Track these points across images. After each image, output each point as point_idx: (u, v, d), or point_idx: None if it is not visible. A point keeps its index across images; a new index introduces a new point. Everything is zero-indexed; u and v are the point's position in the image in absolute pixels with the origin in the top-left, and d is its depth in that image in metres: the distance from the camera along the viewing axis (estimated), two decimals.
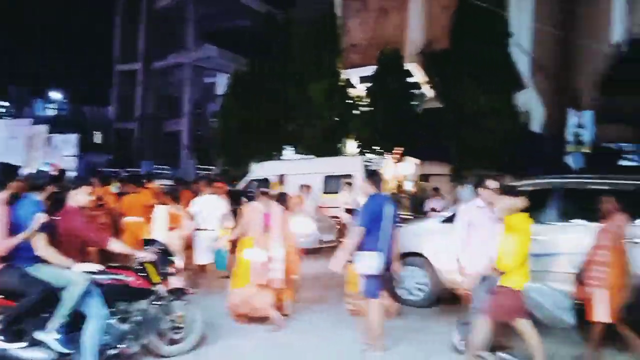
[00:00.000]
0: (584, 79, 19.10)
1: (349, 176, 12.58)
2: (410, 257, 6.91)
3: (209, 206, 7.48)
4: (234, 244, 6.61)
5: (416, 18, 21.24)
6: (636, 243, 5.29)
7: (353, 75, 21.33)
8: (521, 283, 4.52)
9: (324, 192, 13.68)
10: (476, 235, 5.02)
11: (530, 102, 17.98)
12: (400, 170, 19.39)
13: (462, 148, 16.13)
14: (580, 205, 6.17)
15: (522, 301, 4.51)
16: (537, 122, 18.75)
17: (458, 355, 5.00)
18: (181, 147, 32.87)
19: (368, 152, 18.63)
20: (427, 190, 16.94)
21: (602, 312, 4.94)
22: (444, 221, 7.08)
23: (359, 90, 20.79)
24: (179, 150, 32.93)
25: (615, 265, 5.01)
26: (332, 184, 13.40)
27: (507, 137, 15.87)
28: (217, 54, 32.67)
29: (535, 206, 5.82)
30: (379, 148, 18.89)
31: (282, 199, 6.53)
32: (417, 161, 19.74)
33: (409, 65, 19.64)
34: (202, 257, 7.38)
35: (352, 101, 20.35)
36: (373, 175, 5.62)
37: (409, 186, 19.48)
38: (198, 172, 24.31)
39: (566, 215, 6.07)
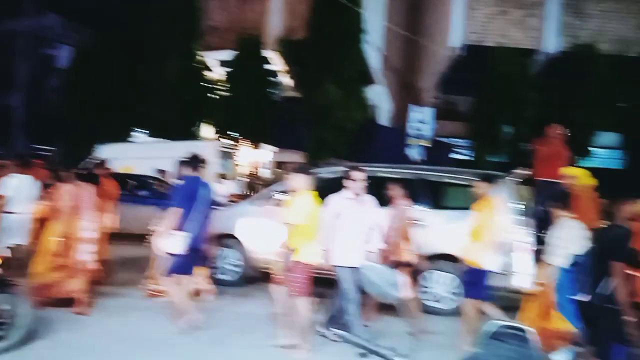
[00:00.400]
0: (427, 78, 20.81)
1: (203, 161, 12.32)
2: (225, 238, 7.16)
3: (20, 187, 6.89)
4: (41, 225, 6.33)
5: (277, 6, 21.33)
6: (418, 224, 6.06)
7: (211, 58, 20.82)
8: (312, 257, 4.84)
9: (177, 178, 13.25)
10: (345, 227, 5.19)
11: (379, 97, 19.11)
12: (257, 157, 19.49)
13: (316, 137, 16.63)
14: (375, 191, 6.90)
15: (311, 275, 4.87)
16: (385, 115, 20.01)
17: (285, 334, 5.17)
18: (14, 124, 29.42)
19: (224, 138, 18.38)
20: (283, 178, 17.23)
21: (404, 289, 5.51)
22: (260, 203, 7.41)
23: (218, 74, 20.37)
24: (11, 128, 29.45)
25: (400, 244, 5.66)
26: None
27: (356, 128, 16.72)
28: (60, 24, 29.68)
29: (336, 191, 6.51)
30: (236, 134, 18.74)
31: (95, 180, 6.38)
32: (274, 149, 20.00)
33: (269, 53, 19.68)
34: (8, 241, 6.76)
35: (209, 85, 19.88)
36: (191, 158, 5.62)
37: (264, 173, 19.67)
38: (34, 152, 21.97)
39: None
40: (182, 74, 18.70)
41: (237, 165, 16.98)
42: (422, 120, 16.95)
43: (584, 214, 5.81)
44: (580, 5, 19.52)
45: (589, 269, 4.58)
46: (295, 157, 18.46)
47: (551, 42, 19.34)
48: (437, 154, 16.62)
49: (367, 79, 17.87)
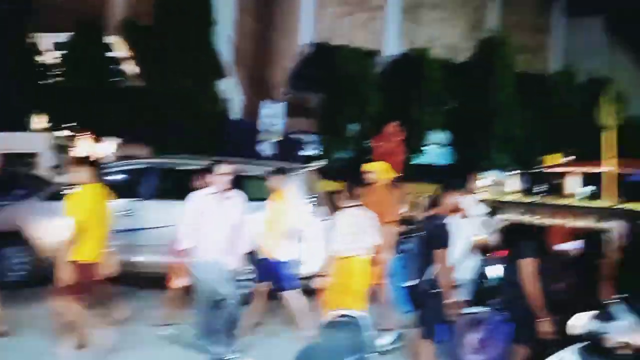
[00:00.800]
0: (278, 74, 21.11)
1: (33, 154, 11.30)
2: (11, 236, 6.66)
3: None
4: None
5: None
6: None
7: (45, 40, 18.86)
8: (91, 255, 4.71)
9: None
10: (207, 226, 4.95)
11: (231, 90, 18.92)
12: (98, 150, 18.12)
13: (163, 130, 15.95)
14: (174, 183, 6.86)
15: (92, 274, 4.73)
16: (236, 109, 19.88)
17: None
18: None
19: (59, 129, 16.80)
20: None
21: (181, 280, 5.60)
22: (48, 199, 7.06)
23: (52, 57, 18.51)
24: None
25: None
26: (14, 162, 11.83)
27: (208, 121, 16.38)
28: None
29: (134, 184, 6.43)
30: (74, 124, 17.24)
31: None
32: (118, 141, 18.76)
33: (111, 38, 18.38)
34: None
35: (42, 69, 18.00)
36: None
37: None
38: None
39: (161, 192, 6.70)
40: (10, 56, 16.67)
41: None
42: (273, 115, 17.16)
43: (381, 206, 6.34)
44: (417, 13, 21.25)
45: (417, 256, 5.01)
46: (140, 150, 17.54)
47: (392, 45, 20.78)
48: (287, 149, 16.95)
49: (219, 72, 17.57)
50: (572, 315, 3.03)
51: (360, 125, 17.87)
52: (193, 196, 5.11)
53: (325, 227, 5.88)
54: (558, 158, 7.76)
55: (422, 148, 19.09)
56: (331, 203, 6.66)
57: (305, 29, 20.02)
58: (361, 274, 5.32)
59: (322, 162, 7.70)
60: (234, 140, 16.50)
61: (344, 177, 6.61)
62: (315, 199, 6.69)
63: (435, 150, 20.28)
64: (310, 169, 7.37)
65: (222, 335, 4.81)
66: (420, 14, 21.42)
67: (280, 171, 5.59)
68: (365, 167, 6.59)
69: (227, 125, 17.49)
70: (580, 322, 2.90)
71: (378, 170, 6.55)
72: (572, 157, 10.27)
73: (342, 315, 3.23)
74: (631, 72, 24.70)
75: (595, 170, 5.48)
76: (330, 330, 3.04)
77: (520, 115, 19.02)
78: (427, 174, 11.41)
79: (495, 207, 4.39)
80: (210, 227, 4.94)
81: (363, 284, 5.32)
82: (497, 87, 18.67)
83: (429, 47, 19.83)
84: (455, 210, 5.26)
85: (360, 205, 5.38)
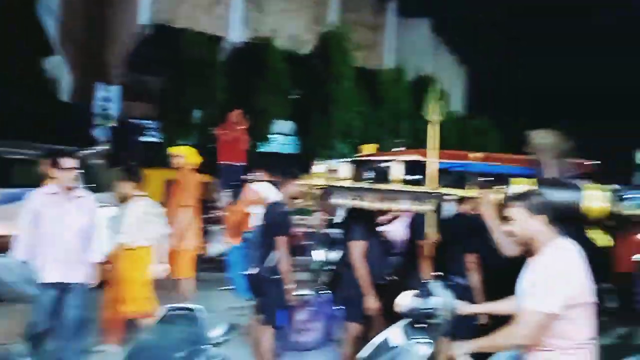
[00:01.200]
0: (114, 55, 19.63)
1: None
2: None
3: None
4: None
5: None
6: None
7: None
8: None
9: None
10: (46, 230, 4.34)
11: (59, 70, 17.20)
12: None
13: None
14: None
15: None
16: (66, 92, 18.13)
17: None
18: None
19: None
20: None
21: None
22: None
23: None
24: None
25: None
26: None
27: (33, 103, 14.77)
28: None
29: None
30: None
31: None
32: None
33: None
34: None
35: None
36: None
37: None
38: None
39: None
40: None
41: None
42: (108, 99, 15.99)
43: (184, 190, 6.40)
44: (261, 2, 21.27)
45: (258, 244, 5.08)
46: None
47: (236, 32, 20.57)
48: (125, 135, 15.95)
49: (45, 49, 15.87)
50: (398, 294, 3.31)
51: (205, 112, 17.45)
52: (31, 195, 4.54)
53: (109, 215, 5.64)
54: (374, 148, 8.47)
55: (267, 136, 19.28)
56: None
57: (144, 9, 18.86)
58: (147, 265, 5.31)
59: (106, 147, 7.38)
60: (64, 125, 15.07)
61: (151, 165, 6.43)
62: (96, 185, 6.40)
63: (281, 139, 20.65)
64: (91, 152, 7.04)
65: (64, 343, 4.46)
66: (264, 3, 21.48)
67: (54, 154, 5.10)
68: (172, 150, 6.49)
69: (55, 108, 15.90)
70: (404, 300, 3.18)
71: (184, 154, 6.54)
72: (402, 147, 11.22)
73: (176, 308, 3.16)
74: (452, 72, 27.56)
75: (420, 159, 6.05)
76: (163, 326, 2.95)
77: (358, 108, 20.17)
78: (272, 162, 11.55)
79: (329, 192, 4.62)
80: (51, 233, 4.42)
81: (149, 275, 5.31)
82: (336, 80, 19.55)
83: (273, 37, 20.00)
84: (296, 197, 5.45)
85: (146, 195, 5.35)
